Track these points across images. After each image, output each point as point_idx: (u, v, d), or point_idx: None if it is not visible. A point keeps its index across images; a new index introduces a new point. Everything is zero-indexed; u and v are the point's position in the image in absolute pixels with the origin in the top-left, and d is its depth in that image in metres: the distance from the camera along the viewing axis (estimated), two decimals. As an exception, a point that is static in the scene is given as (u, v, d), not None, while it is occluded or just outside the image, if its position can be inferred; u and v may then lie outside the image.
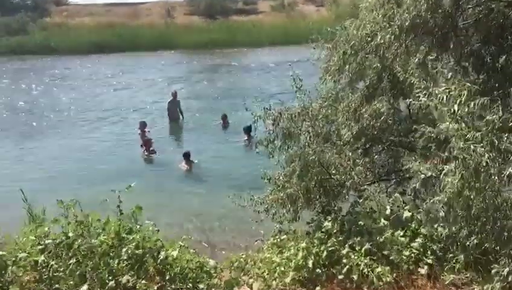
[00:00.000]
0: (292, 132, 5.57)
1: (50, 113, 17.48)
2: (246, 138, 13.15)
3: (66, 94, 20.61)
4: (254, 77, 22.62)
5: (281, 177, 5.74)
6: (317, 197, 5.57)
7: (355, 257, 4.39)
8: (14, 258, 4.17)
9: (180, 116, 15.84)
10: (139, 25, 35.93)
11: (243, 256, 5.50)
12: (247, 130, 13.05)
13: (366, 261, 4.33)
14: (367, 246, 4.44)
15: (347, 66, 5.11)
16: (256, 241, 6.38)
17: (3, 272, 4.25)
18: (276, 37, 31.67)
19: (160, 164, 12.30)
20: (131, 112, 17.12)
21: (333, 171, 5.62)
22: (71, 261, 3.99)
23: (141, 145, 12.69)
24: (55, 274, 4.06)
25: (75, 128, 15.64)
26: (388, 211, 4.85)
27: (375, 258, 4.41)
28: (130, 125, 15.31)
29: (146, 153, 12.54)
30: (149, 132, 14.38)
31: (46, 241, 4.35)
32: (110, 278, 3.97)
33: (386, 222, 4.75)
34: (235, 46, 31.01)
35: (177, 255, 4.11)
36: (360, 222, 4.84)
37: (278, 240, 5.56)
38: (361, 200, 5.44)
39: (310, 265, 4.45)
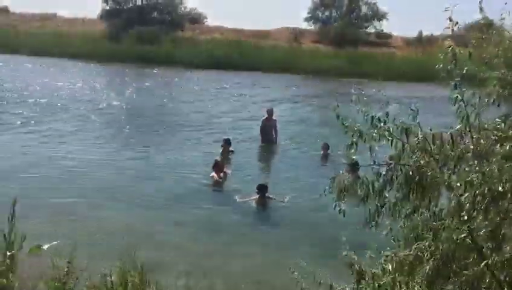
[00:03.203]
0: (427, 177, 2.55)
1: (137, 121, 16.05)
2: (350, 175, 9.88)
3: (162, 102, 19.33)
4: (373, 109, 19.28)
5: (387, 267, 2.69)
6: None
7: None
8: None
9: (275, 139, 13.23)
10: (264, 46, 34.89)
11: None
12: (353, 166, 9.75)
13: None
14: None
15: None
16: None
17: None
18: (408, 72, 28.24)
19: (230, 193, 9.49)
20: (225, 129, 14.89)
21: None
22: None
23: (212, 167, 10.10)
24: None
25: (160, 139, 13.73)
26: None
27: None
28: (217, 142, 12.96)
29: (216, 177, 9.94)
30: (232, 151, 11.99)
31: None
32: None
33: None
34: (361, 76, 27.78)
35: None
36: None
37: None
38: None
39: None
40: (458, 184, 2.43)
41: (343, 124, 3.12)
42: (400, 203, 2.70)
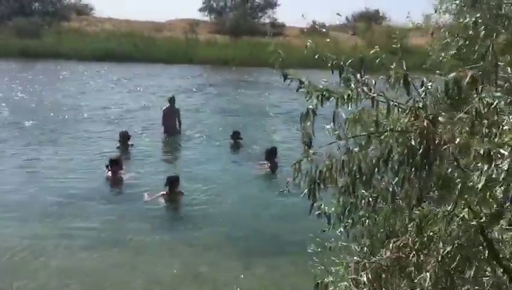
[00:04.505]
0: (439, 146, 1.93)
1: (23, 117, 14.05)
2: (268, 165, 9.36)
3: (50, 98, 17.21)
4: (272, 95, 19.35)
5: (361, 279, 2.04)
6: None
7: None
8: None
9: (178, 128, 12.24)
10: (159, 38, 33.49)
11: None
12: (271, 153, 9.39)
13: None
14: None
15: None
16: None
17: None
18: (306, 59, 28.70)
19: (133, 192, 8.23)
20: (122, 122, 13.59)
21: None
22: None
23: (107, 165, 8.75)
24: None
25: (48, 137, 11.94)
26: None
27: None
28: (113, 136, 11.63)
29: (113, 176, 8.63)
30: (132, 145, 10.86)
31: None
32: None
33: None
34: (258, 64, 27.59)
35: None
36: None
37: None
38: None
39: None
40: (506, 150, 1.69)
41: (301, 81, 2.28)
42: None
